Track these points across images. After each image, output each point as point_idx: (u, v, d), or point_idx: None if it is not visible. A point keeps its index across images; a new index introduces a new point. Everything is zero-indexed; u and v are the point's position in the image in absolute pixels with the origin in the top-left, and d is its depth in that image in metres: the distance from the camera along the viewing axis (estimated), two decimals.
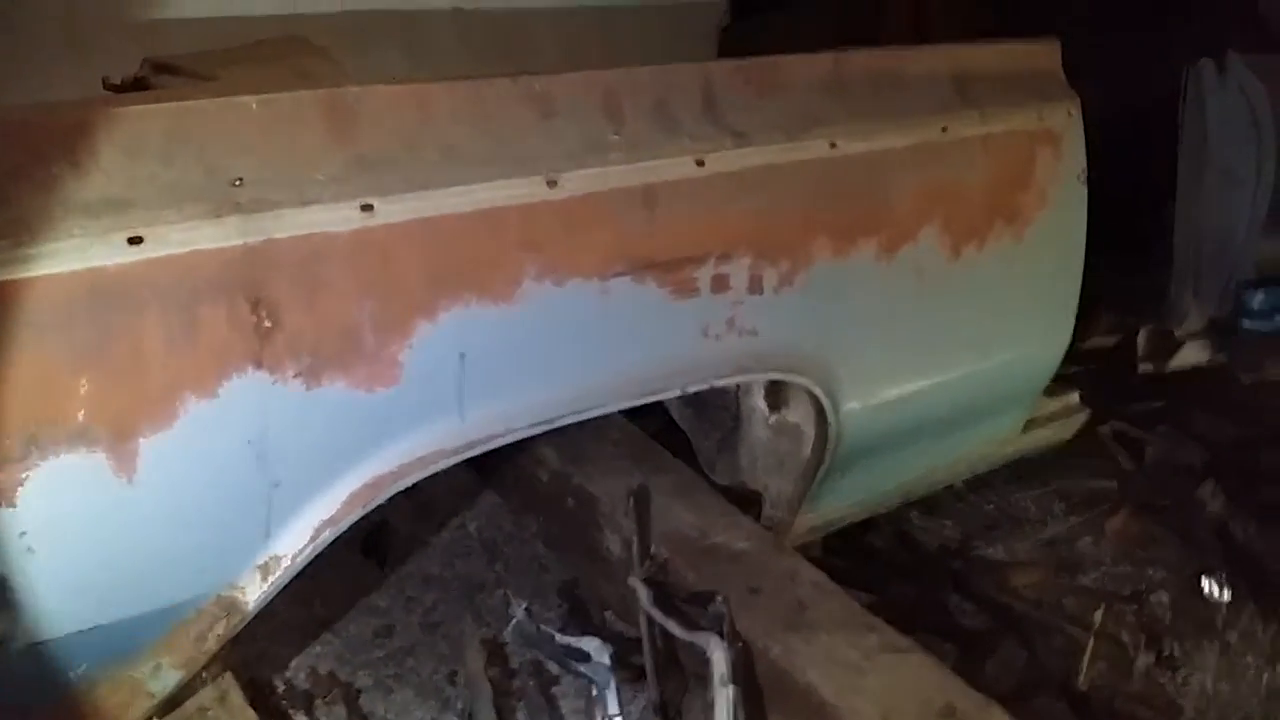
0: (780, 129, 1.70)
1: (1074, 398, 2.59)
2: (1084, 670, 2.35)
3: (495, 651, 2.18)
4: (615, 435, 2.42)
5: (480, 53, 2.39)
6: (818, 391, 1.84)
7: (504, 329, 1.49)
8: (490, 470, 2.65)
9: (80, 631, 1.28)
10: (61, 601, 1.26)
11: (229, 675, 1.54)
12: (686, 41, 2.68)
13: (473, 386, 1.49)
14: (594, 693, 1.81)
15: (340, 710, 2.10)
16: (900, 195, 1.83)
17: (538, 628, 1.92)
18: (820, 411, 1.89)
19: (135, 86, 1.59)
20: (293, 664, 2.20)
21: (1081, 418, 2.62)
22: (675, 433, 2.46)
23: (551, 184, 1.49)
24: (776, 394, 2.06)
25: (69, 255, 1.18)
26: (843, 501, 2.14)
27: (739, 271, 1.69)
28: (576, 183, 1.50)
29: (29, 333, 1.17)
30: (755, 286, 1.71)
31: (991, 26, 2.63)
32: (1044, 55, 2.10)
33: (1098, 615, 2.48)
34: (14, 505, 1.19)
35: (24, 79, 1.84)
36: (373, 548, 2.53)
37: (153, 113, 1.31)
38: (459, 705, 2.12)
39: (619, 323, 1.58)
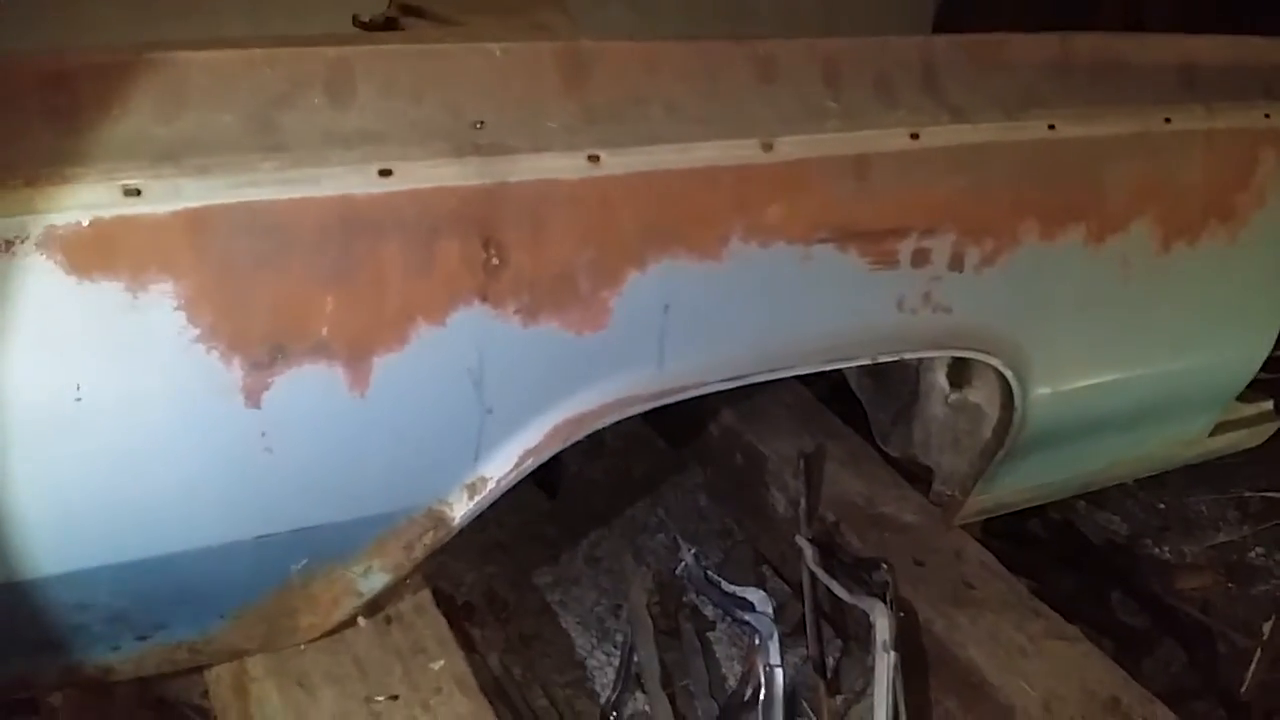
0: (999, 107, 1.68)
1: (1268, 405, 2.48)
2: (1248, 679, 2.28)
3: (655, 590, 2.27)
4: (787, 397, 2.46)
5: (696, 11, 2.42)
6: (1008, 373, 1.83)
7: (708, 285, 1.53)
8: (659, 417, 2.73)
9: (305, 528, 1.41)
10: (291, 499, 1.39)
11: (427, 590, 1.65)
12: (901, 14, 2.63)
13: (674, 337, 1.54)
14: (756, 641, 1.87)
15: (512, 628, 2.22)
16: (1115, 184, 1.79)
17: (705, 573, 1.98)
18: (1007, 394, 1.88)
19: (386, 26, 1.69)
20: (468, 579, 2.34)
21: (1272, 427, 2.51)
22: (842, 399, 2.47)
23: (767, 147, 1.51)
24: (960, 372, 2.05)
25: (326, 182, 1.27)
26: (1016, 486, 2.12)
27: (941, 247, 1.68)
28: (791, 148, 1.52)
29: (286, 250, 1.27)
30: (956, 263, 1.70)
31: (1212, 21, 2.50)
32: (1275, 52, 2.00)
33: (1267, 626, 2.40)
34: (258, 407, 1.31)
35: (277, 14, 1.97)
36: (544, 479, 2.65)
37: (406, 53, 1.39)
38: (618, 637, 2.22)
39: (818, 288, 1.61)
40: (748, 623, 1.93)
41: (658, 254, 1.49)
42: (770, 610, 1.94)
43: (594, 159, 1.42)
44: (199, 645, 1.47)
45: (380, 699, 1.50)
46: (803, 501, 2.11)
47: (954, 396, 2.08)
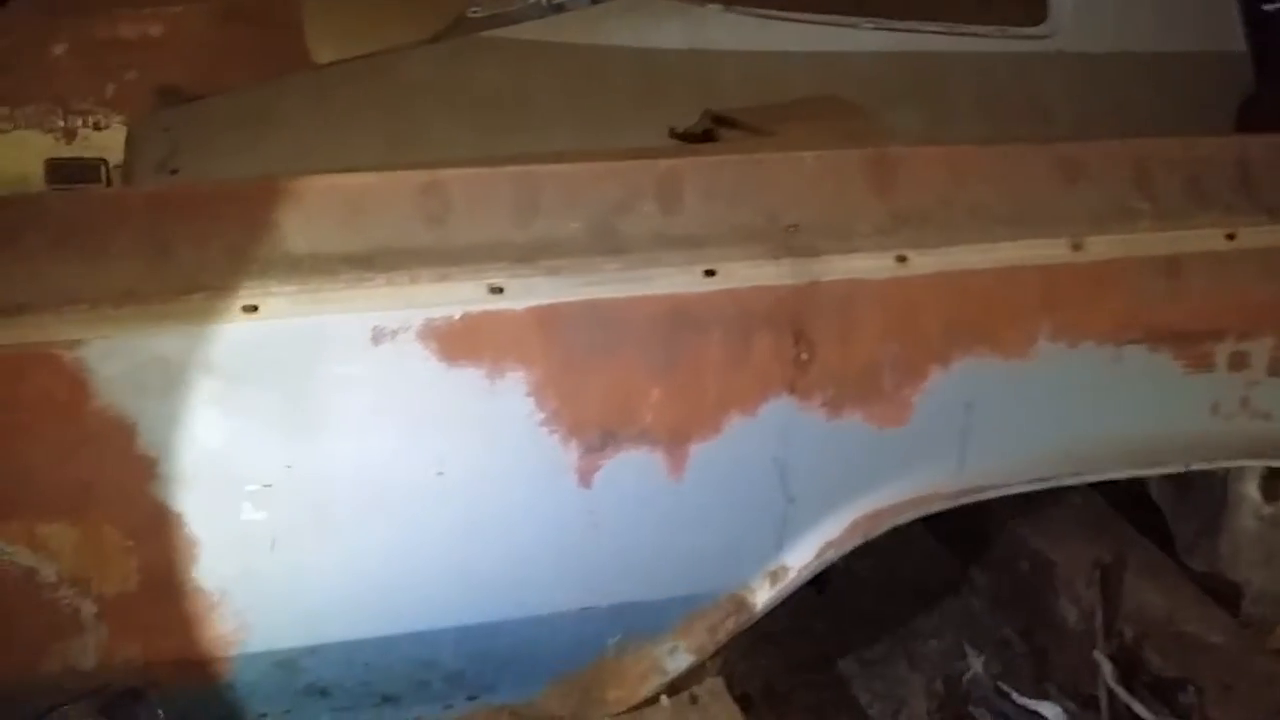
0: None
1: None
2: None
3: (934, 699, 2.22)
4: (1077, 501, 2.37)
5: (991, 112, 2.45)
6: None
7: (1012, 383, 1.54)
8: (934, 515, 2.69)
9: (623, 604, 1.49)
10: (612, 575, 1.48)
11: (720, 678, 1.70)
12: (1198, 112, 2.57)
13: (975, 436, 1.55)
14: None
15: None
16: None
17: (996, 684, 1.93)
18: None
19: (703, 137, 1.83)
20: (739, 670, 2.36)
21: None
22: (1136, 505, 2.36)
23: (1076, 247, 1.52)
24: (1275, 483, 1.93)
25: (658, 281, 1.39)
26: None
27: (1260, 351, 1.62)
28: (1101, 247, 1.52)
29: (620, 343, 1.39)
30: (1276, 368, 1.63)
31: None
32: None
33: None
34: (589, 487, 1.42)
35: (597, 127, 2.15)
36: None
37: (726, 163, 1.51)
38: None
39: (1128, 390, 1.58)
40: None
41: (962, 352, 1.52)
42: None
43: (901, 259, 1.47)
44: (520, 709, 1.57)
45: None
46: (1099, 614, 2.02)
47: (1268, 509, 1.96)
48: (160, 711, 1.23)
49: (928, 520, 2.74)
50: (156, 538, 1.27)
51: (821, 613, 2.58)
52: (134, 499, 1.26)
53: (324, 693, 1.44)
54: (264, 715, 1.44)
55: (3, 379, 1.19)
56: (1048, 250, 1.51)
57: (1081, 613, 2.09)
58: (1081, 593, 2.10)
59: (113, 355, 1.22)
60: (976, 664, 1.98)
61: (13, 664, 1.30)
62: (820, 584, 2.63)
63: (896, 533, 2.81)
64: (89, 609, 1.28)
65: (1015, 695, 1.93)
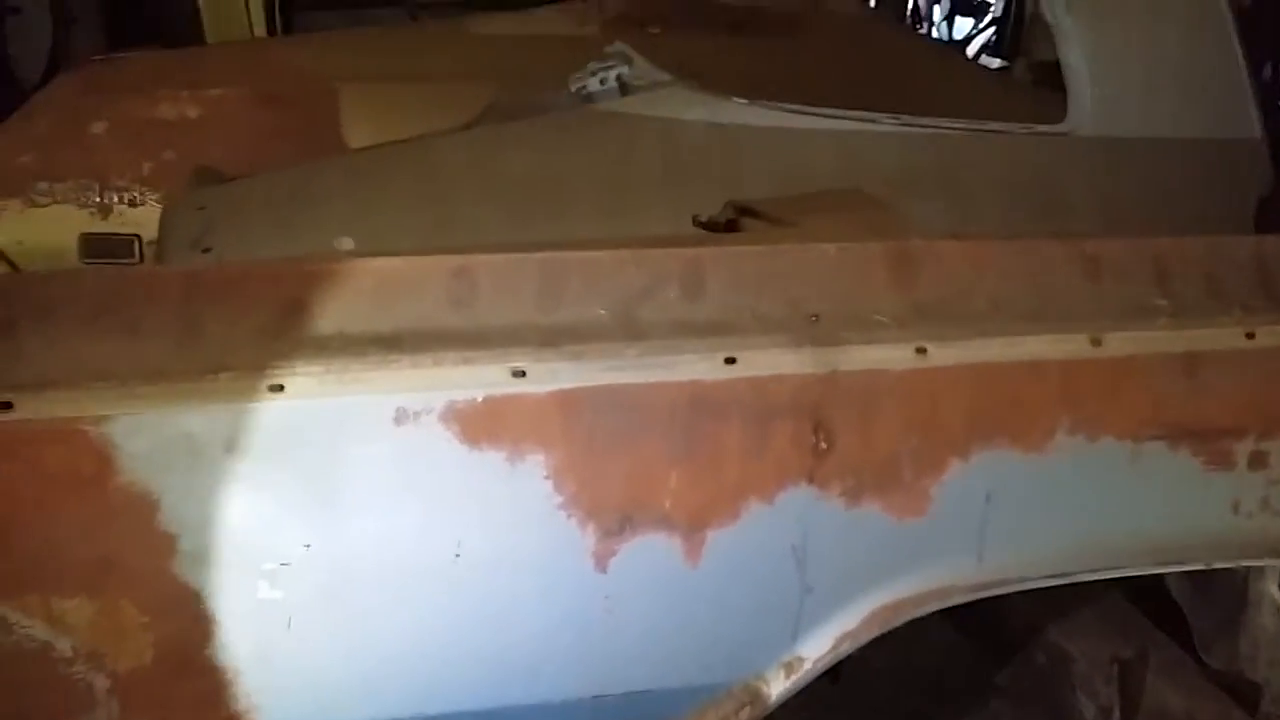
0: None
1: None
2: None
3: None
4: (1095, 594, 2.34)
5: (1014, 207, 2.48)
6: None
7: (1031, 476, 1.53)
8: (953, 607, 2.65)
9: (635, 692, 1.48)
10: (625, 662, 1.47)
11: None
12: (1218, 210, 2.59)
13: (994, 528, 1.54)
14: None
15: None
16: None
17: None
18: None
19: (726, 227, 1.86)
20: None
21: None
22: (1152, 599, 2.33)
23: (1095, 342, 1.53)
24: None
25: (679, 368, 1.40)
26: None
27: None
28: (1120, 344, 1.53)
29: (640, 429, 1.40)
30: None
31: None
32: None
33: None
34: (605, 572, 1.41)
35: (624, 213, 2.19)
36: None
37: (750, 253, 1.53)
38: None
39: (1148, 486, 1.57)
40: None
41: (981, 444, 1.52)
42: None
43: (921, 351, 1.48)
44: None
45: None
46: (1116, 712, 1.99)
47: None
48: None
49: (945, 610, 2.74)
50: (173, 614, 1.28)
51: (836, 706, 2.54)
52: (153, 575, 1.26)
53: None
54: None
55: (29, 453, 1.21)
56: (1067, 345, 1.52)
57: (1099, 709, 2.06)
58: (1100, 689, 2.06)
59: (139, 432, 1.23)
60: None
61: None
62: (834, 674, 2.61)
63: (913, 623, 2.79)
64: (102, 684, 1.28)
65: None
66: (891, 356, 1.47)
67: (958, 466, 1.51)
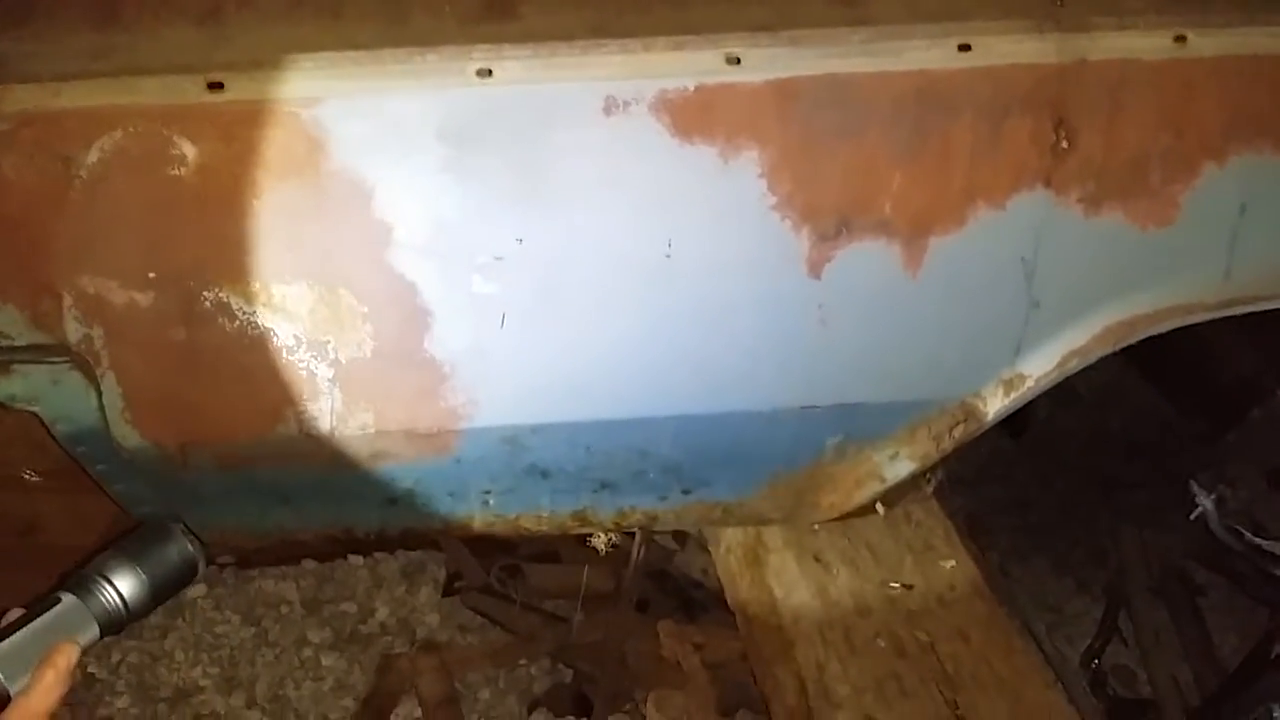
0: None
1: None
2: None
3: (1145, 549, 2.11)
4: None
5: None
6: None
7: None
8: (1150, 362, 2.51)
9: (846, 404, 1.43)
10: (837, 373, 1.42)
11: (933, 499, 1.64)
12: None
13: (1247, 242, 1.40)
14: None
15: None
16: None
17: (1228, 525, 1.81)
18: None
19: None
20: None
21: None
22: None
23: None
24: None
25: (907, 55, 1.27)
26: None
27: None
28: None
29: (861, 123, 1.29)
30: None
31: None
32: None
33: None
34: (819, 278, 1.34)
35: None
36: (1010, 418, 2.54)
37: None
38: (1096, 588, 2.10)
39: None
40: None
41: (1240, 147, 1.36)
42: None
43: (1180, 39, 1.31)
44: (732, 507, 1.55)
45: (896, 585, 1.51)
46: None
47: None
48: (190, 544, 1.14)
49: (1149, 371, 2.60)
50: (390, 306, 1.28)
51: (1017, 460, 2.48)
52: (370, 265, 1.25)
53: (545, 474, 1.44)
54: (488, 492, 1.46)
55: (244, 134, 1.19)
56: None
57: None
58: None
59: (350, 116, 1.20)
60: (1207, 503, 1.86)
61: (251, 425, 1.34)
62: (1016, 430, 2.54)
63: (1102, 385, 2.67)
64: (325, 373, 1.30)
65: (1248, 535, 1.81)
66: (1145, 45, 1.31)
67: (1212, 172, 1.36)
